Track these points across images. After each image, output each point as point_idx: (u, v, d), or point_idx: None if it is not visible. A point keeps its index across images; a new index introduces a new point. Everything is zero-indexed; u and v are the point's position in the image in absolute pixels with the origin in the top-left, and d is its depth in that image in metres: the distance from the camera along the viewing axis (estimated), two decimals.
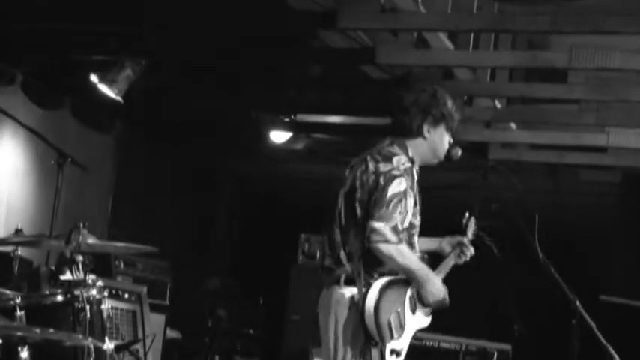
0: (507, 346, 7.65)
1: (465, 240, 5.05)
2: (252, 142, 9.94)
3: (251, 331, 10.58)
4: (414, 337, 7.28)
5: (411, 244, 4.70)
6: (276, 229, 11.95)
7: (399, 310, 4.60)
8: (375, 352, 4.51)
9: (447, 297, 4.73)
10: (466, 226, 5.10)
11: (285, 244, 11.11)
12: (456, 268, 5.07)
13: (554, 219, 9.86)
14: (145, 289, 7.77)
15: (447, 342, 7.51)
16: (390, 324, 4.52)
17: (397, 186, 4.56)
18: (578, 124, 8.31)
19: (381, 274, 4.61)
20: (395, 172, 4.60)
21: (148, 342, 7.38)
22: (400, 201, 4.54)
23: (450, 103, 4.81)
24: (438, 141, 4.81)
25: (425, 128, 4.77)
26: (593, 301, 7.33)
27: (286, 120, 9.55)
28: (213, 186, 11.64)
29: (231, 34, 7.19)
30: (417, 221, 4.77)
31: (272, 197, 12.24)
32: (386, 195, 4.54)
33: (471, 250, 5.05)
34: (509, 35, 7.43)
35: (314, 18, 6.61)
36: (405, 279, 4.66)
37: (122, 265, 8.31)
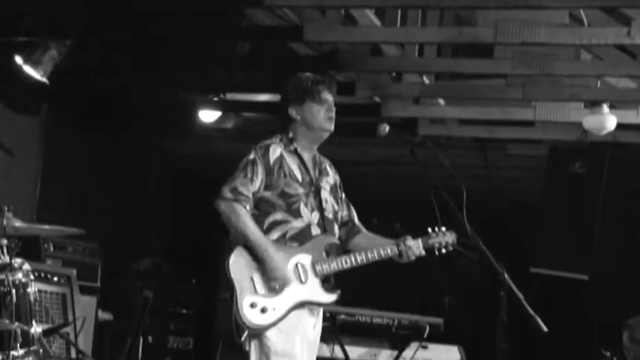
0: (439, 320, 7.72)
1: (410, 241, 5.01)
2: (181, 122, 9.88)
3: (184, 310, 10.54)
4: (347, 314, 7.40)
5: (291, 212, 4.92)
6: (207, 208, 11.88)
7: None
8: (233, 298, 4.74)
9: (283, 277, 4.79)
10: (431, 233, 5.05)
11: (217, 223, 11.05)
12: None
13: (484, 193, 10.01)
14: (74, 272, 7.68)
15: (379, 317, 7.53)
16: (252, 279, 4.77)
17: (246, 157, 4.98)
18: (506, 99, 8.39)
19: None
20: (250, 151, 5.02)
21: (78, 325, 7.31)
22: (245, 167, 4.95)
23: (304, 77, 5.09)
24: (309, 116, 5.05)
25: (292, 113, 5.06)
26: (523, 273, 7.42)
27: (215, 99, 9.50)
28: (143, 166, 11.53)
29: (156, 12, 7.12)
30: (296, 190, 4.95)
31: (202, 176, 12.16)
32: (237, 166, 4.97)
33: (414, 252, 5.00)
34: (437, 11, 7.46)
35: None
36: (298, 247, 4.88)
37: (52, 248, 8.18)
